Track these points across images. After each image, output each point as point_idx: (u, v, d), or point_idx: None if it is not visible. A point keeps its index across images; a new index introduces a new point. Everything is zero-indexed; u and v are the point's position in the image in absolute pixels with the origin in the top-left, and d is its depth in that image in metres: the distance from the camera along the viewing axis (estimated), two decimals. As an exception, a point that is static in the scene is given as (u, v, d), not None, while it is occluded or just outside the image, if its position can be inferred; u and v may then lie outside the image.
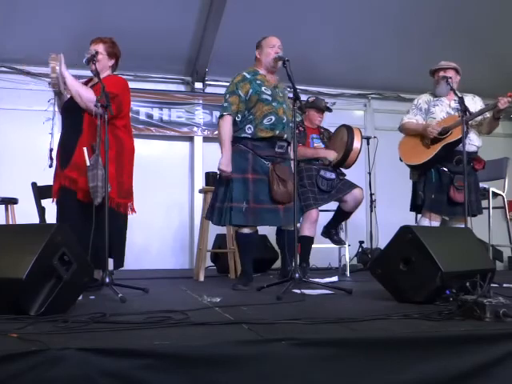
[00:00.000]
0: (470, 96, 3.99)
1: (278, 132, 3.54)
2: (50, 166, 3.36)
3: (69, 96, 3.39)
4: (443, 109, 3.99)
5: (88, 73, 3.52)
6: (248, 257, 3.64)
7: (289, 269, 3.64)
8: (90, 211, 3.01)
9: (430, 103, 4.04)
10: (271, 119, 3.53)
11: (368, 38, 5.82)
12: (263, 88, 3.57)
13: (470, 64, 5.75)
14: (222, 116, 3.58)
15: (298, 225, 3.70)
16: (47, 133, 3.34)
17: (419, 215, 4.16)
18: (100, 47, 3.42)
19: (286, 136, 3.59)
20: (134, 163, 3.48)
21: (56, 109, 3.44)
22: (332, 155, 4.26)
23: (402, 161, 4.09)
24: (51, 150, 3.35)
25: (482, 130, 4.02)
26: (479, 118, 3.88)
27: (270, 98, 3.56)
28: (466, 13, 5.55)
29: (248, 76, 3.60)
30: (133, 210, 3.45)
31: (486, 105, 3.98)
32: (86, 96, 3.23)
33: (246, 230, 3.56)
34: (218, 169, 3.54)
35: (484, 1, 5.47)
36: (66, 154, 3.32)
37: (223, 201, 3.54)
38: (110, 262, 3.23)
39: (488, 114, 3.92)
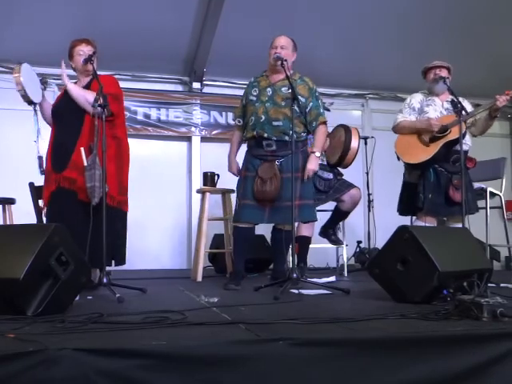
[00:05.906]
0: (461, 99, 3.98)
1: (255, 132, 3.57)
2: (42, 174, 3.36)
3: (57, 98, 3.37)
4: (436, 109, 3.97)
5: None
6: (241, 255, 3.66)
7: (285, 268, 3.65)
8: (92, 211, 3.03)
9: (423, 103, 4.03)
10: (252, 120, 3.62)
11: (366, 38, 5.82)
12: (252, 90, 3.69)
13: (468, 65, 5.77)
14: None
15: (296, 224, 3.67)
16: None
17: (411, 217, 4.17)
18: (92, 50, 3.39)
19: (266, 135, 3.54)
20: (129, 162, 3.49)
21: (40, 117, 3.43)
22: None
23: (399, 160, 4.03)
24: (40, 158, 3.35)
25: (474, 131, 4.01)
26: (471, 119, 3.88)
27: (254, 99, 3.65)
28: (465, 14, 5.55)
29: (252, 80, 3.76)
30: (127, 208, 3.45)
31: (474, 107, 3.97)
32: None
33: (240, 225, 3.59)
34: None
35: (483, 2, 5.47)
36: (62, 155, 3.29)
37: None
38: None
39: (480, 115, 3.91)
